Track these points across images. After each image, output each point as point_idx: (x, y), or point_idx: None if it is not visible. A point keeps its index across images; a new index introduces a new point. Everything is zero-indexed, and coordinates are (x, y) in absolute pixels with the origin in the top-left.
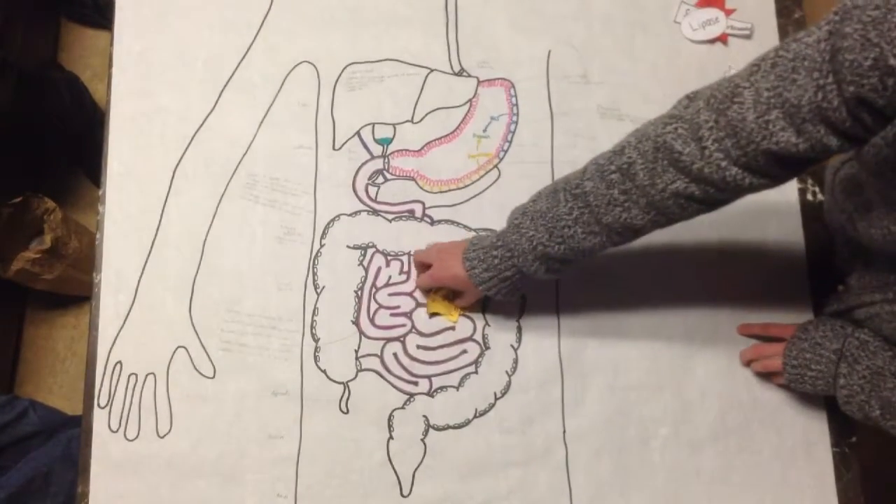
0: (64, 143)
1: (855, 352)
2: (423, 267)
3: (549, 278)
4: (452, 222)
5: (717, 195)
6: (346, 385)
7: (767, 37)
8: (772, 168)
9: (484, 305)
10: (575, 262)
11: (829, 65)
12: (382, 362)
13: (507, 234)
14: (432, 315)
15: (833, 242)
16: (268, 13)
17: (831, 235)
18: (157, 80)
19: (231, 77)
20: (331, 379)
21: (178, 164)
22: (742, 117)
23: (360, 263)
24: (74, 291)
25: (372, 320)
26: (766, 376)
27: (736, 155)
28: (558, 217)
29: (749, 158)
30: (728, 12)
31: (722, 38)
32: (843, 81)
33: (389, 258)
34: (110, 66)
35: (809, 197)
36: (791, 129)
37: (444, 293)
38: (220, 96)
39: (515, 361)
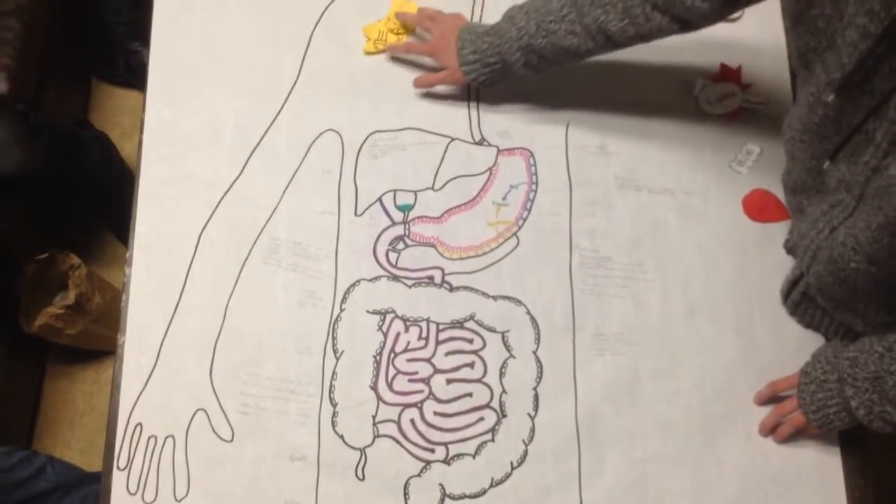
0: (91, 199)
1: (850, 371)
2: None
3: (525, 73)
4: (471, 289)
5: (671, 9)
6: (362, 451)
7: (783, 110)
8: None
9: (501, 373)
10: (552, 60)
11: None
12: (399, 428)
13: (500, 24)
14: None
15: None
16: (295, 83)
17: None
18: (185, 147)
19: (258, 144)
20: (348, 444)
21: (203, 229)
22: None
23: (380, 328)
24: (96, 346)
25: (390, 386)
26: (795, 436)
27: None
28: (548, 12)
29: None
30: (744, 87)
31: (738, 112)
32: None
33: (408, 324)
34: (141, 132)
35: None
36: None
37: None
38: (246, 163)
39: (532, 430)
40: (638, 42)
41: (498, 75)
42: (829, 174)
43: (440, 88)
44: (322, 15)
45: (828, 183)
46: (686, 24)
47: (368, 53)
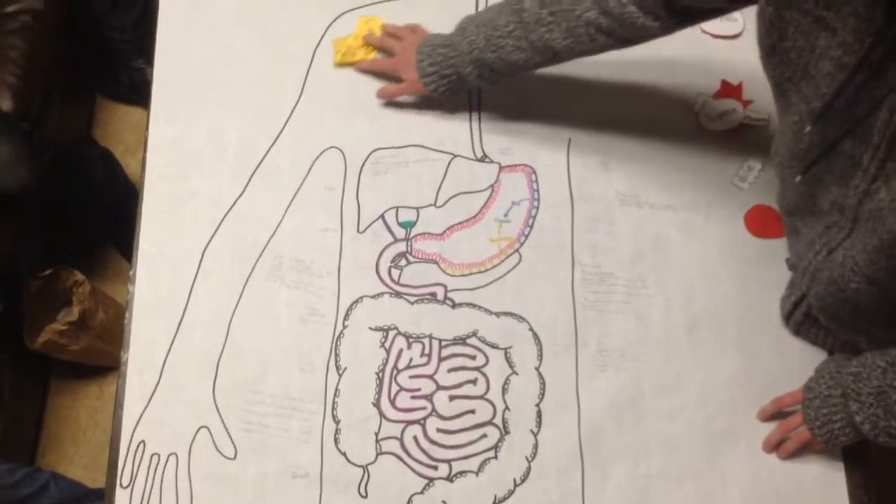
0: (94, 216)
1: (853, 386)
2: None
3: (480, 84)
4: (474, 305)
5: (618, 30)
6: (365, 468)
7: None
8: (659, 10)
9: (503, 389)
10: (504, 73)
11: None
12: (402, 445)
13: (454, 35)
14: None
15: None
16: (297, 101)
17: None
18: (189, 165)
19: (261, 162)
20: (350, 462)
21: (206, 247)
22: None
23: (382, 345)
24: (99, 362)
25: (392, 402)
26: (799, 452)
27: None
28: (496, 27)
29: None
30: (745, 104)
31: (739, 128)
32: None
33: (411, 340)
34: (145, 150)
35: None
36: None
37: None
38: (249, 181)
39: (535, 446)
40: (583, 56)
41: (455, 85)
42: (822, 196)
43: (441, 104)
44: (324, 34)
45: (821, 205)
46: (630, 41)
47: (338, 65)
